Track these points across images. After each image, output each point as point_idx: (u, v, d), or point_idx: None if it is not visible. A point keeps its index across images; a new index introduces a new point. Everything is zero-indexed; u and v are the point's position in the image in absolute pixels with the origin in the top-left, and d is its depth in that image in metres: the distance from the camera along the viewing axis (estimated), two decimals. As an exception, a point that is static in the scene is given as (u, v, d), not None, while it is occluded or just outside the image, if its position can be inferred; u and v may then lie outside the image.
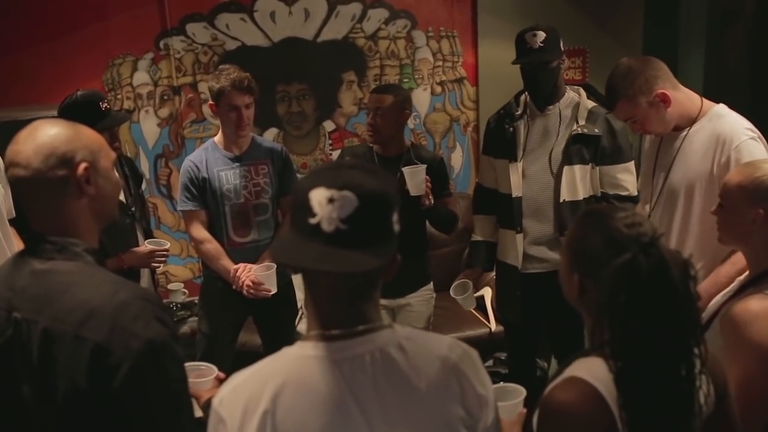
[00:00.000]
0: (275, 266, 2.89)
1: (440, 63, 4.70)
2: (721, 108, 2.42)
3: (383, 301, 3.02)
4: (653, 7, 4.79)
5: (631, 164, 2.90)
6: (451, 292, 3.06)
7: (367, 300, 1.21)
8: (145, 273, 3.14)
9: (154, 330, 1.24)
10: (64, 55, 4.06)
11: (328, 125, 4.62)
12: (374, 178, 1.17)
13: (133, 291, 1.28)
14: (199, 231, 3.06)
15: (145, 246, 3.00)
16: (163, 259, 3.04)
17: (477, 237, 3.24)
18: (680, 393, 1.31)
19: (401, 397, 1.18)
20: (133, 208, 3.06)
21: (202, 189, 3.03)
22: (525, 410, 1.67)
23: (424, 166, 2.92)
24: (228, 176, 3.04)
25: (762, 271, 1.77)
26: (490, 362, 4.07)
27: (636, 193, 2.84)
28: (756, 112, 3.92)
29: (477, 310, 3.48)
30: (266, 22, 4.35)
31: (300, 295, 3.25)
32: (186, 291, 4.20)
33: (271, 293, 2.94)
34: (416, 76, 4.68)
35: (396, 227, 1.19)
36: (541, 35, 2.81)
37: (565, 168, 2.88)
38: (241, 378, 1.22)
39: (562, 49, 2.89)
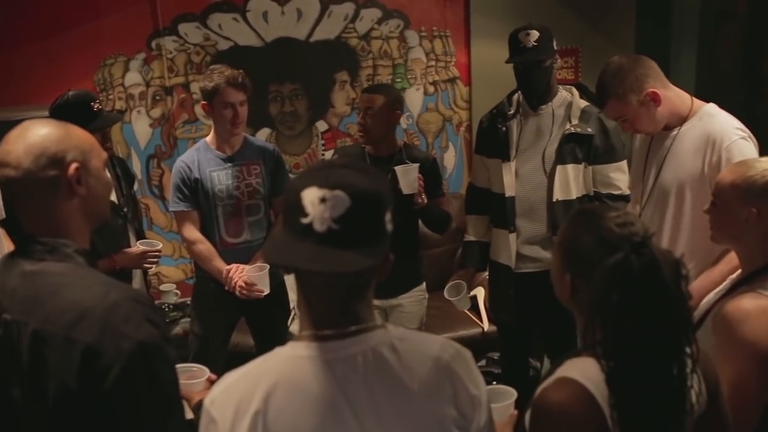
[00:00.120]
0: (268, 267, 2.88)
1: (433, 63, 4.70)
2: (712, 107, 2.42)
3: (376, 302, 3.02)
4: (646, 6, 4.80)
5: (624, 163, 2.90)
6: (446, 294, 3.06)
7: (360, 300, 1.21)
8: (137, 274, 3.13)
9: (146, 331, 1.23)
10: (56, 55, 4.04)
11: (321, 125, 4.61)
12: (366, 177, 1.16)
13: (124, 292, 1.27)
14: (192, 232, 3.05)
15: (137, 247, 2.99)
16: (155, 260, 3.03)
17: (470, 237, 3.23)
18: (672, 392, 1.31)
19: (393, 398, 1.18)
20: (125, 209, 3.05)
21: (194, 190, 3.02)
22: (516, 412, 1.66)
23: (417, 164, 2.91)
24: (220, 177, 3.03)
25: (754, 270, 1.78)
26: (483, 362, 4.07)
27: (629, 192, 2.85)
28: (748, 111, 3.95)
29: (470, 310, 3.48)
30: (259, 22, 4.35)
31: (293, 296, 3.24)
32: (178, 292, 4.21)
33: (264, 294, 2.94)
34: (409, 76, 4.68)
35: (389, 227, 1.19)
36: (535, 34, 2.81)
37: (558, 167, 2.89)
38: (233, 378, 1.21)
39: (555, 48, 2.89)
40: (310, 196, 1.13)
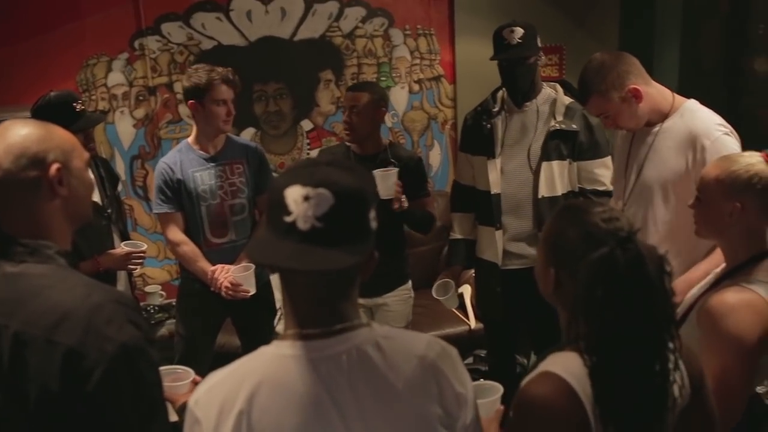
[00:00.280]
0: (253, 267, 2.87)
1: (418, 61, 4.70)
2: (693, 103, 2.44)
3: (361, 301, 3.01)
4: (629, 5, 4.82)
5: (608, 159, 2.91)
6: (434, 293, 3.06)
7: (345, 298, 1.20)
8: (121, 275, 3.11)
9: (128, 333, 1.22)
10: (37, 56, 4.00)
11: (306, 124, 4.60)
12: (350, 175, 1.16)
13: (106, 294, 1.26)
14: (175, 233, 3.04)
15: (122, 248, 2.97)
16: (140, 261, 3.02)
17: (456, 235, 3.24)
18: (653, 388, 1.32)
19: (378, 397, 1.17)
20: (109, 210, 3.04)
21: (177, 191, 3.01)
22: (503, 407, 1.67)
23: (396, 169, 2.88)
24: (203, 177, 3.01)
25: (738, 264, 1.79)
26: (470, 359, 4.08)
27: (612, 188, 2.86)
28: (730, 108, 3.98)
29: (457, 308, 3.48)
30: (242, 22, 4.32)
31: (279, 296, 3.23)
32: (163, 293, 4.19)
33: (250, 294, 2.93)
34: (394, 75, 4.68)
35: (373, 224, 1.19)
36: (519, 31, 2.81)
37: (544, 164, 2.89)
38: (217, 378, 1.21)
39: (539, 45, 2.90)
40: (294, 195, 1.12)
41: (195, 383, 1.78)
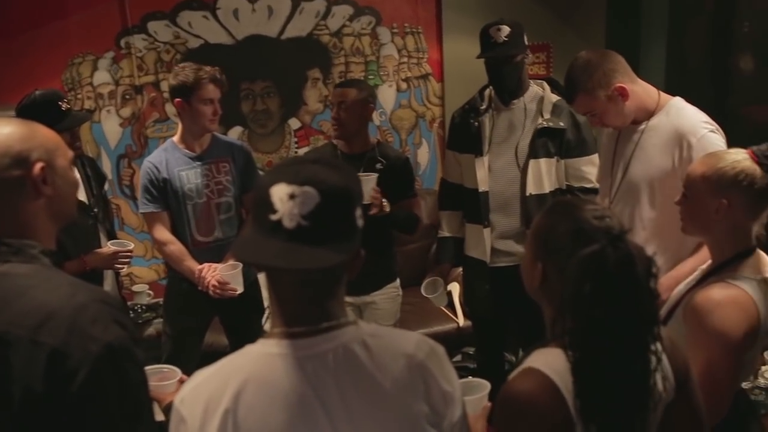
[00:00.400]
0: (241, 265, 2.86)
1: (405, 59, 4.70)
2: (678, 101, 2.44)
3: (349, 299, 3.02)
4: (616, 3, 4.84)
5: (596, 157, 2.92)
6: (423, 291, 3.06)
7: (331, 297, 1.20)
8: (108, 275, 3.09)
9: (114, 333, 1.21)
10: (22, 54, 3.97)
11: (294, 123, 4.59)
12: (336, 172, 1.15)
13: (91, 294, 1.25)
14: (162, 233, 3.02)
15: (108, 247, 2.95)
16: (127, 260, 3.00)
17: (444, 233, 3.24)
18: (635, 386, 1.32)
19: (364, 395, 1.17)
20: (95, 209, 3.02)
21: (162, 190, 2.99)
22: (490, 404, 1.67)
23: (375, 175, 2.85)
24: (189, 176, 3.00)
25: (724, 260, 1.80)
26: (459, 357, 4.09)
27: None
28: (716, 106, 4.00)
29: (445, 305, 3.49)
30: (229, 20, 4.31)
31: (266, 294, 3.21)
32: (151, 292, 4.16)
33: (238, 292, 2.92)
34: (381, 73, 4.68)
35: (359, 222, 1.18)
36: (506, 29, 2.82)
37: (531, 161, 2.90)
38: (203, 376, 1.20)
39: (526, 44, 2.91)
40: (279, 193, 1.11)
41: (182, 382, 1.77)
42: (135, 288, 4.21)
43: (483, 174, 2.96)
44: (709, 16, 4.55)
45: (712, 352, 1.65)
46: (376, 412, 1.17)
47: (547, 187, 2.92)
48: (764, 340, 1.80)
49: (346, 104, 2.97)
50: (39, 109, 2.70)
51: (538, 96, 2.97)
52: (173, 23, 4.23)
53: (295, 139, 4.60)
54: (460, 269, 3.33)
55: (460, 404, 1.26)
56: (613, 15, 4.85)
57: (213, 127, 3.01)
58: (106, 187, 3.35)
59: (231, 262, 2.91)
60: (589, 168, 2.92)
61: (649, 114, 2.43)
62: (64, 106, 2.84)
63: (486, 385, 1.75)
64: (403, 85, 4.74)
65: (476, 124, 2.99)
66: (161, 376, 1.80)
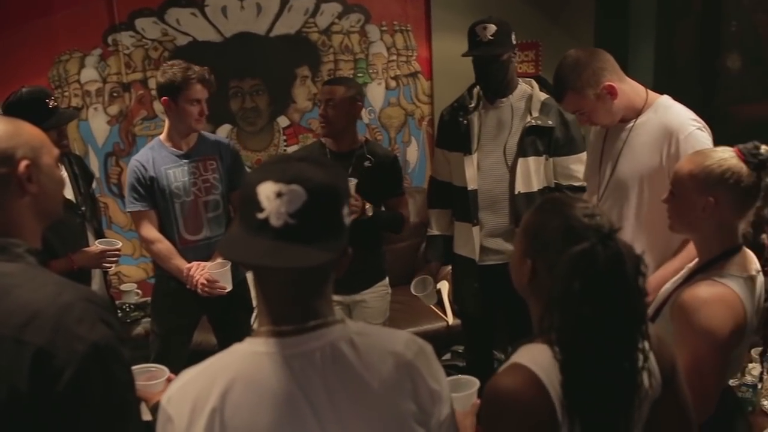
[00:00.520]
0: (229, 263, 2.85)
1: (394, 57, 4.70)
2: (666, 99, 2.45)
3: (338, 298, 3.02)
4: (604, 2, 4.85)
5: (584, 155, 2.93)
6: (412, 290, 3.07)
7: (319, 295, 1.20)
8: (96, 274, 3.08)
9: (100, 333, 1.20)
10: (8, 52, 3.94)
11: (282, 121, 4.58)
12: (323, 171, 1.15)
13: (77, 292, 1.24)
14: (149, 231, 3.01)
15: (96, 246, 2.94)
16: (115, 259, 2.98)
17: (433, 231, 3.25)
18: (621, 384, 1.33)
19: (351, 393, 1.17)
20: (83, 208, 3.00)
21: (149, 188, 2.98)
22: (479, 401, 1.67)
23: (355, 181, 2.83)
24: (176, 174, 2.99)
25: (711, 258, 1.80)
26: (448, 356, 4.09)
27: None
28: (704, 105, 4.02)
29: (434, 304, 3.49)
30: (218, 17, 4.29)
31: (255, 293, 3.21)
32: (139, 291, 4.15)
33: (226, 291, 2.91)
34: (370, 71, 4.67)
35: (347, 221, 1.18)
36: (492, 28, 2.82)
37: (520, 160, 2.91)
38: (190, 375, 1.20)
39: (514, 42, 2.91)
40: (266, 191, 1.11)
41: (170, 381, 1.76)
42: (123, 287, 4.20)
43: (472, 172, 2.97)
44: (697, 16, 4.57)
45: (699, 350, 1.66)
46: (363, 411, 1.17)
47: (536, 186, 2.92)
48: (750, 337, 1.82)
49: (334, 102, 2.97)
50: (26, 107, 2.69)
51: (527, 94, 2.97)
52: (161, 20, 4.21)
53: (284, 137, 4.59)
54: (450, 267, 3.34)
55: (447, 403, 1.26)
56: (601, 14, 4.86)
57: (199, 126, 3.00)
58: (94, 185, 3.33)
59: (219, 260, 2.90)
60: (578, 166, 2.92)
61: (637, 112, 2.43)
62: (51, 103, 2.83)
63: (475, 382, 1.75)
64: (392, 83, 4.74)
65: (465, 122, 2.99)
66: (149, 376, 1.79)
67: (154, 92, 4.15)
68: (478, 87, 3.02)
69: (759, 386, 2.55)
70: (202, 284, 2.88)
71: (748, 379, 2.55)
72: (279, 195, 1.10)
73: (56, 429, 1.17)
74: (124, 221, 4.34)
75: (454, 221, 3.15)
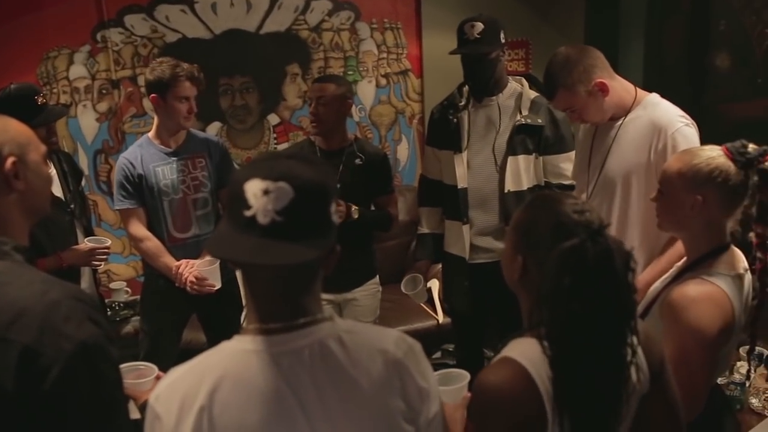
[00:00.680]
0: (218, 261, 2.84)
1: (385, 55, 4.69)
2: (655, 97, 2.46)
3: (329, 296, 3.02)
4: (594, 0, 4.86)
5: (574, 153, 2.93)
6: (403, 288, 3.06)
7: (307, 293, 1.20)
8: (86, 272, 3.07)
9: (87, 331, 1.19)
10: (-5, 48, 3.92)
11: (273, 119, 4.57)
12: (311, 168, 1.15)
13: (64, 290, 1.23)
14: (138, 229, 3.00)
15: (85, 244, 2.92)
16: (104, 257, 2.98)
17: (423, 230, 3.25)
18: (610, 379, 1.33)
19: (340, 391, 1.17)
20: (72, 205, 2.99)
21: (138, 186, 2.97)
22: (470, 394, 1.68)
23: (336, 186, 2.83)
24: (165, 171, 2.98)
25: (699, 257, 1.81)
26: (439, 354, 4.10)
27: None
28: (693, 103, 4.03)
29: (425, 302, 3.49)
30: (207, 14, 4.28)
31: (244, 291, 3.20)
32: (129, 290, 4.14)
33: (216, 288, 2.90)
34: (361, 69, 4.67)
35: (334, 218, 1.18)
36: (479, 26, 2.81)
37: (510, 158, 2.91)
38: (178, 373, 1.19)
39: (503, 40, 2.90)
40: (253, 188, 1.11)
41: (159, 380, 1.76)
42: (113, 285, 4.18)
43: (462, 170, 2.97)
44: (687, 14, 4.59)
45: (688, 348, 1.67)
46: (352, 409, 1.17)
47: (526, 184, 2.93)
48: (739, 335, 1.82)
49: (325, 99, 2.96)
50: (14, 104, 2.67)
51: (517, 92, 2.97)
52: (150, 17, 4.19)
53: (275, 135, 4.58)
54: (440, 266, 3.34)
55: (436, 400, 1.26)
56: (591, 12, 4.87)
57: (188, 124, 3.00)
58: (83, 183, 3.32)
59: (208, 258, 2.90)
60: (567, 165, 2.93)
61: (626, 110, 2.44)
62: (40, 100, 2.82)
63: (465, 376, 1.76)
64: (383, 81, 4.73)
65: (455, 120, 2.99)
66: (138, 374, 1.78)
67: (143, 89, 4.13)
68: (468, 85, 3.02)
69: (747, 384, 2.56)
70: (191, 282, 2.88)
71: (737, 377, 2.56)
72: (266, 192, 1.10)
73: (44, 428, 1.16)
74: (114, 219, 4.32)
75: (445, 219, 3.15)
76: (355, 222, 2.92)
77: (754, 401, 2.57)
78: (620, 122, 2.44)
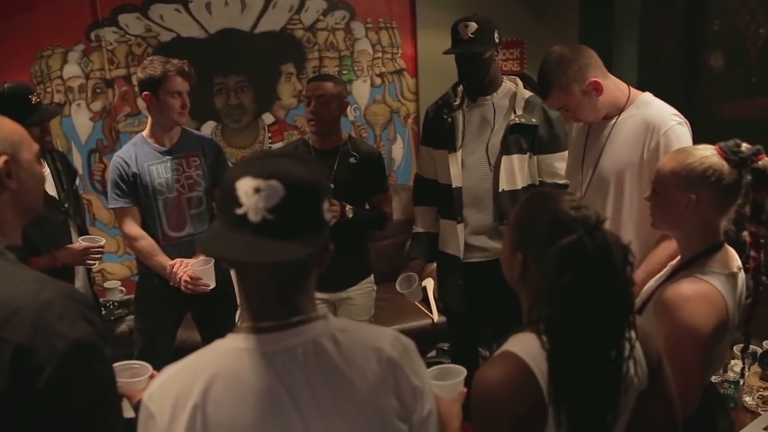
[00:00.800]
0: (213, 260, 2.84)
1: (380, 54, 4.69)
2: (648, 96, 2.46)
3: (324, 295, 3.02)
4: (589, 0, 4.87)
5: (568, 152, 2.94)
6: (397, 286, 3.06)
7: (300, 291, 1.20)
8: (80, 271, 3.06)
9: (81, 330, 1.19)
10: (-11, 47, 3.91)
11: (267, 118, 4.56)
12: (303, 166, 1.15)
13: (57, 289, 1.23)
14: (132, 228, 3.00)
15: (79, 243, 2.92)
16: (98, 256, 2.97)
17: (418, 228, 3.25)
18: (609, 373, 1.34)
19: (333, 390, 1.17)
20: (66, 205, 2.98)
21: (132, 185, 2.97)
22: (466, 389, 1.69)
23: (330, 186, 2.80)
24: (159, 170, 2.98)
25: (693, 255, 1.81)
26: (433, 353, 4.10)
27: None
28: (687, 102, 4.04)
29: (419, 301, 3.49)
30: (202, 13, 4.27)
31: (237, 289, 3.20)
32: (123, 289, 4.13)
33: (210, 288, 2.90)
34: (356, 68, 4.66)
35: (327, 216, 1.18)
36: (473, 26, 2.81)
37: (504, 158, 2.91)
38: (172, 372, 1.19)
39: (497, 40, 2.90)
40: (245, 187, 1.11)
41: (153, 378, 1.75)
42: (107, 284, 4.17)
43: (456, 170, 2.97)
44: (681, 14, 4.60)
45: (682, 347, 1.67)
46: (346, 407, 1.17)
47: (520, 183, 2.93)
48: (732, 334, 1.83)
49: (325, 98, 2.94)
50: (8, 103, 2.66)
51: (511, 92, 2.97)
52: (144, 16, 4.18)
53: (269, 135, 4.57)
54: (435, 265, 3.34)
55: (429, 399, 1.26)
56: (586, 12, 4.88)
57: (182, 120, 2.99)
58: (77, 182, 3.31)
59: (203, 257, 2.89)
60: (562, 164, 2.93)
61: (620, 109, 2.44)
62: (34, 99, 2.81)
63: (462, 371, 1.77)
64: (378, 81, 4.73)
65: (449, 119, 2.99)
66: (132, 373, 1.78)
67: (137, 88, 4.12)
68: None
69: (741, 382, 2.57)
70: (185, 281, 2.87)
71: (730, 375, 2.56)
72: (257, 191, 1.10)
73: (37, 427, 1.16)
74: (108, 218, 4.31)
75: (439, 219, 3.15)
76: (350, 221, 2.92)
77: (748, 399, 2.57)
78: (614, 121, 2.45)
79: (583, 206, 1.37)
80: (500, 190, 2.91)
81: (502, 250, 1.53)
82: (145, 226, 3.02)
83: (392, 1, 4.63)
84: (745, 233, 1.84)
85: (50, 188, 2.88)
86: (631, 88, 2.48)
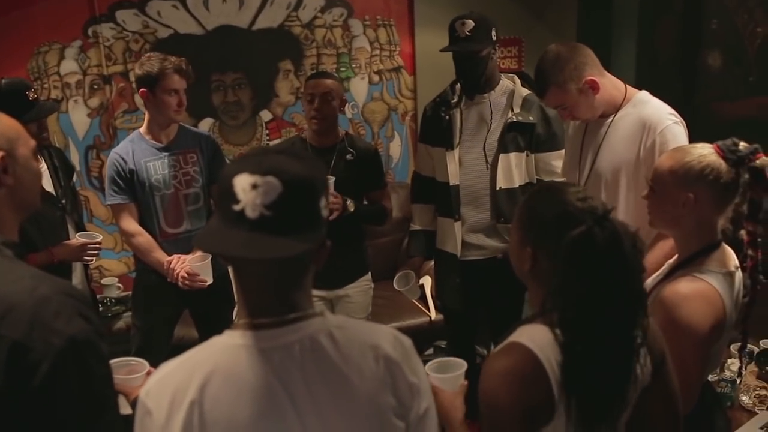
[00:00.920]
0: (210, 256, 2.84)
1: (377, 52, 4.69)
2: (644, 94, 2.47)
3: (321, 293, 3.01)
4: (587, -1, 4.88)
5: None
6: (395, 284, 3.06)
7: (297, 288, 1.19)
8: (77, 267, 3.06)
9: (77, 326, 1.19)
10: (-15, 43, 3.89)
11: (265, 115, 4.55)
12: (300, 162, 1.15)
13: (54, 286, 1.23)
14: (130, 224, 2.99)
15: (77, 239, 2.92)
16: (96, 252, 2.97)
17: (416, 226, 3.25)
18: (621, 363, 1.35)
19: (330, 386, 1.17)
20: (63, 201, 2.98)
21: (129, 181, 2.97)
22: (467, 382, 1.69)
23: (332, 179, 2.75)
24: (156, 166, 2.97)
25: (690, 254, 1.82)
26: (431, 350, 4.10)
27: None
28: (685, 102, 4.04)
29: (417, 299, 3.49)
30: (199, 10, 4.26)
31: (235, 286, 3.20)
32: (121, 285, 4.13)
33: (207, 284, 2.90)
34: (353, 65, 4.66)
35: (324, 213, 1.18)
36: (470, 24, 2.81)
37: (501, 156, 2.91)
38: (169, 368, 1.19)
39: (494, 38, 2.89)
40: (242, 183, 1.11)
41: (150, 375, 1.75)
42: (104, 281, 4.17)
43: (454, 168, 2.97)
44: (679, 13, 4.60)
45: (679, 346, 1.67)
46: (343, 404, 1.17)
47: (517, 182, 2.93)
48: (730, 333, 1.83)
49: (330, 95, 2.91)
50: (5, 99, 2.66)
51: (509, 90, 2.97)
52: (142, 12, 4.17)
53: (267, 131, 4.57)
54: (432, 263, 3.34)
55: (426, 396, 1.27)
56: (584, 10, 4.88)
57: (178, 117, 2.99)
58: (75, 178, 3.31)
59: (200, 253, 2.89)
60: (559, 162, 2.93)
61: (617, 107, 2.45)
62: (31, 95, 2.81)
63: (462, 364, 1.77)
64: (375, 78, 4.73)
65: (447, 117, 2.99)
66: (129, 369, 1.78)
67: (134, 85, 4.11)
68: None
69: (738, 381, 2.57)
70: (183, 277, 2.87)
71: (727, 374, 2.57)
72: (254, 187, 1.10)
73: (33, 423, 1.16)
74: (105, 214, 4.30)
75: (437, 216, 3.15)
76: (352, 215, 2.91)
77: (745, 398, 2.57)
78: (610, 119, 2.45)
79: (588, 197, 1.39)
80: (497, 188, 2.92)
81: (510, 245, 1.53)
82: (142, 223, 3.01)
83: (390, -1, 4.63)
84: (743, 232, 1.84)
85: (47, 184, 2.87)
86: (627, 86, 2.48)
